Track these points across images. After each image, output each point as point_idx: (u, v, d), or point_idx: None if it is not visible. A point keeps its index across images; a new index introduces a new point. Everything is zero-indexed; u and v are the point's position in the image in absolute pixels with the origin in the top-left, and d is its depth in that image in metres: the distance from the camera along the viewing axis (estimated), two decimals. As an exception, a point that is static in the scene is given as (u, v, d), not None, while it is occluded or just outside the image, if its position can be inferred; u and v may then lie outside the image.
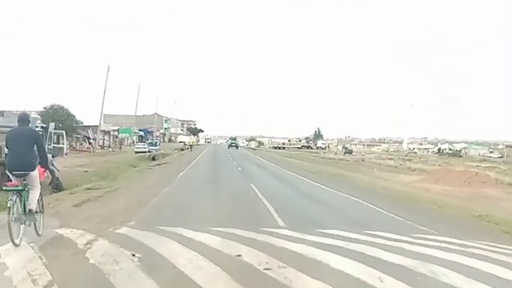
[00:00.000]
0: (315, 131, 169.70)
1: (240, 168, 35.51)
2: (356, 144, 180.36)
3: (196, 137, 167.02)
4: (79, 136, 74.46)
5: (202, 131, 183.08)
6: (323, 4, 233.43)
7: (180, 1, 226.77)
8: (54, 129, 60.34)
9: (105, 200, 16.72)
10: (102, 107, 74.54)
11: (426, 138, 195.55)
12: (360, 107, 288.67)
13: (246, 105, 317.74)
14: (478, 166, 61.12)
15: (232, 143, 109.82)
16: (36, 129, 27.38)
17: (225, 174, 29.86)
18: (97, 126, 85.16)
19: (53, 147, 28.80)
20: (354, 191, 23.88)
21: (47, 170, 10.01)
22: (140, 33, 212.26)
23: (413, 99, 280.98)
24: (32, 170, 8.71)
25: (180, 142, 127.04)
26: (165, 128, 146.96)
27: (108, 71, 73.22)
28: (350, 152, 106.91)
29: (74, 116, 69.66)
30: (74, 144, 71.09)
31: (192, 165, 37.13)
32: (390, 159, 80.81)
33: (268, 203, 16.45)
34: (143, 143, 76.00)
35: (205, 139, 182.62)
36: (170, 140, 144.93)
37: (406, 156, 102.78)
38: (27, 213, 8.57)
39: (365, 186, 30.49)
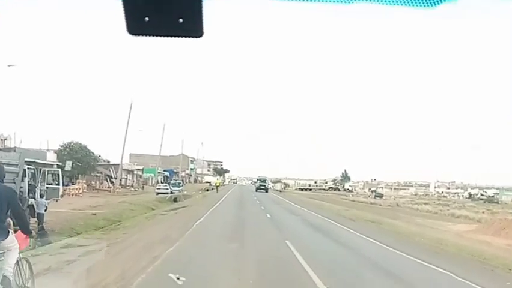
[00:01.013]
0: (342, 173, 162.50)
1: (268, 215, 29.59)
2: (382, 187, 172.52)
3: (222, 177, 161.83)
4: (99, 175, 69.26)
5: (228, 171, 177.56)
6: (350, 48, 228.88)
7: (205, 42, 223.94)
8: (71, 167, 55.21)
9: (81, 264, 11.07)
10: (124, 145, 69.64)
11: (453, 182, 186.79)
12: (386, 149, 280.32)
13: (271, 146, 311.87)
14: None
15: (261, 185, 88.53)
16: (29, 167, 23.24)
17: (251, 223, 24.03)
18: (121, 164, 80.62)
19: (47, 188, 23.73)
20: (408, 247, 19.58)
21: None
22: (168, 74, 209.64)
23: (439, 142, 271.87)
24: (3, 239, 6.82)
25: (206, 182, 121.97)
26: (191, 169, 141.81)
27: (131, 107, 68.47)
28: (381, 195, 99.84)
29: (93, 154, 64.48)
30: (93, 183, 66.19)
31: (213, 210, 31.46)
32: (425, 203, 73.91)
33: (316, 277, 10.56)
34: (165, 184, 70.37)
35: (231, 179, 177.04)
36: (196, 181, 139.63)
37: (439, 200, 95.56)
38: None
39: (416, 238, 24.80)
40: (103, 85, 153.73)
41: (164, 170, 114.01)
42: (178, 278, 7.02)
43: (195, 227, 20.31)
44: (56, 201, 25.99)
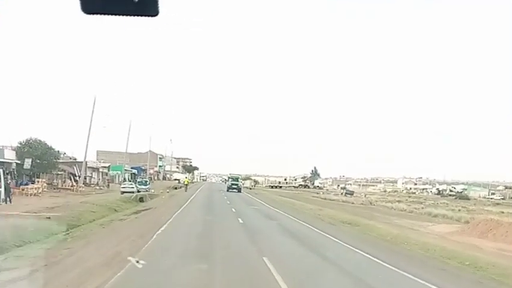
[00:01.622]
0: (312, 170, 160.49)
1: (241, 220, 26.04)
2: (351, 184, 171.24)
3: (191, 174, 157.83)
4: (61, 173, 64.96)
5: (198, 169, 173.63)
6: (319, 42, 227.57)
7: (172, 38, 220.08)
8: (31, 166, 50.98)
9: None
10: (87, 141, 65.42)
11: (420, 178, 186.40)
12: (353, 146, 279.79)
13: (240, 145, 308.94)
14: (502, 212, 51.97)
15: (232, 184, 77.50)
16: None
17: (222, 233, 20.27)
18: (86, 162, 76.34)
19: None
20: (400, 258, 17.41)
21: None
22: (133, 67, 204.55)
23: (405, 137, 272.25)
24: None
25: (175, 180, 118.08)
26: (160, 166, 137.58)
27: (94, 102, 64.32)
28: (352, 193, 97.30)
29: (54, 150, 60.17)
30: (55, 181, 62.00)
31: (179, 213, 28.02)
32: (398, 201, 71.55)
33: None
34: (130, 182, 65.87)
35: (200, 177, 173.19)
36: (164, 178, 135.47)
37: (409, 197, 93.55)
38: None
39: (400, 243, 22.50)
40: (67, 80, 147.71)
41: (131, 167, 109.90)
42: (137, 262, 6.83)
43: (155, 237, 16.79)
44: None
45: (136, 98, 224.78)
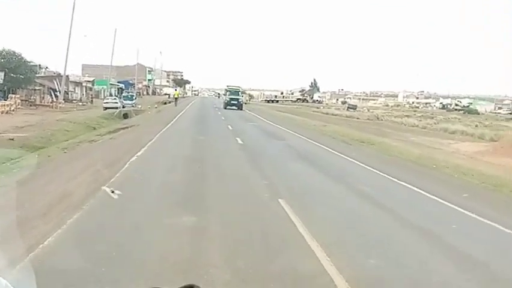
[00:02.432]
0: (311, 83, 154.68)
1: (240, 140, 21.76)
2: (350, 98, 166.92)
3: (182, 88, 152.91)
4: (38, 88, 60.29)
5: (189, 83, 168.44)
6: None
7: None
8: (3, 80, 46.23)
9: None
10: (67, 51, 60.40)
11: (422, 92, 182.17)
12: (351, 58, 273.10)
13: (234, 56, 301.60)
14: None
15: (232, 100, 59.49)
16: None
17: (217, 157, 16.00)
18: (66, 76, 71.55)
19: None
20: (440, 184, 14.43)
21: None
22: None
23: (404, 49, 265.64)
24: None
25: (165, 94, 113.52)
26: (149, 80, 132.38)
27: (74, 7, 58.76)
28: (354, 107, 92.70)
29: (30, 63, 55.26)
30: (33, 97, 57.49)
31: (164, 132, 23.85)
32: (407, 116, 67.50)
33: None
34: (113, 97, 61.01)
35: (192, 91, 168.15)
36: (154, 93, 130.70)
37: (414, 112, 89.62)
38: None
39: (428, 166, 18.97)
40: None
41: (118, 82, 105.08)
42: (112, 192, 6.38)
43: (127, 166, 12.76)
44: None
45: (123, 6, 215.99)
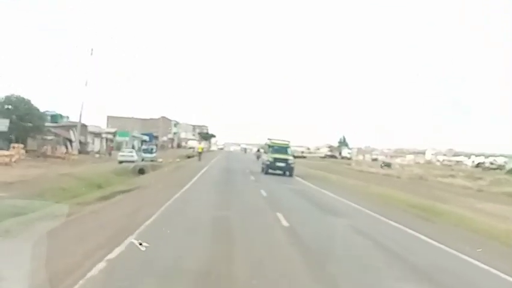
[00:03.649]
0: (340, 139, 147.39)
1: (282, 219, 13.99)
2: (377, 154, 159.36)
3: (208, 142, 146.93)
4: (51, 138, 54.25)
5: (214, 136, 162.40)
6: (347, 9, 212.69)
7: (196, 5, 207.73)
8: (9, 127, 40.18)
9: None
10: (82, 103, 54.69)
11: (451, 149, 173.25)
12: (377, 115, 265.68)
13: (258, 112, 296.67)
14: None
15: (276, 160, 40.21)
16: None
17: (248, 254, 9.13)
18: (84, 125, 65.84)
19: None
20: None
21: None
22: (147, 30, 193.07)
23: (431, 108, 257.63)
24: None
25: (190, 148, 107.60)
26: (174, 133, 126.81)
27: (92, 53, 53.38)
28: (389, 165, 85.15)
29: (40, 111, 49.44)
30: (45, 147, 51.46)
31: (176, 199, 16.90)
32: (451, 176, 59.61)
33: None
34: (130, 150, 53.95)
35: (217, 145, 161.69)
36: (180, 146, 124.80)
37: (452, 170, 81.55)
38: None
39: None
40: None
41: (142, 134, 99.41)
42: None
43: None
44: None
45: (153, 62, 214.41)
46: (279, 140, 43.41)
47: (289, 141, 43.69)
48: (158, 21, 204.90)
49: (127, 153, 49.06)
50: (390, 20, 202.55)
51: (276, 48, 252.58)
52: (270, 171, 39.84)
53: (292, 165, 40.27)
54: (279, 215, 14.48)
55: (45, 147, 52.14)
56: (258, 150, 55.31)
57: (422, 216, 19.18)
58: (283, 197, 22.46)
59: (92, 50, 53.23)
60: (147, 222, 11.47)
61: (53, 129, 59.67)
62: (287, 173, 39.86)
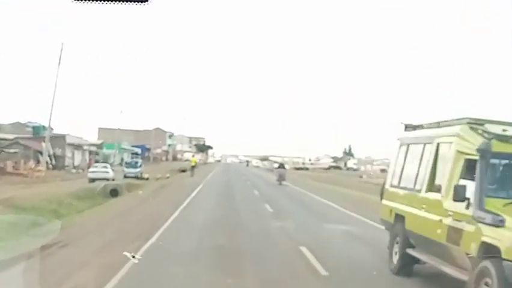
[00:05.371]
0: (345, 149, 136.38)
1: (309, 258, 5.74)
2: (379, 165, 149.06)
3: (205, 154, 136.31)
4: (14, 151, 43.63)
5: (211, 148, 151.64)
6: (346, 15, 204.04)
7: (194, 15, 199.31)
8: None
9: None
10: (51, 109, 44.04)
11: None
12: (376, 126, 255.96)
13: (257, 124, 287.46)
14: None
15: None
16: None
17: None
18: (61, 136, 55.47)
19: None
20: None
21: None
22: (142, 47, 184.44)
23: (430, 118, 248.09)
24: None
25: (186, 160, 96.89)
26: (169, 145, 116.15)
27: (61, 50, 42.88)
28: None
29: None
30: (6, 162, 41.02)
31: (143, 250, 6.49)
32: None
33: None
34: (104, 165, 41.68)
35: (214, 158, 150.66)
36: (175, 158, 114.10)
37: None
38: None
39: None
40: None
41: (134, 146, 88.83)
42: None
43: None
44: None
45: (149, 73, 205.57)
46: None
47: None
48: (155, 31, 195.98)
49: (100, 169, 37.84)
50: (390, 25, 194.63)
51: (273, 60, 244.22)
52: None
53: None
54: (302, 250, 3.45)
55: (7, 162, 41.79)
56: (280, 166, 42.59)
57: None
58: (295, 217, 12.73)
59: (59, 59, 42.47)
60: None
61: (21, 141, 49.30)
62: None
